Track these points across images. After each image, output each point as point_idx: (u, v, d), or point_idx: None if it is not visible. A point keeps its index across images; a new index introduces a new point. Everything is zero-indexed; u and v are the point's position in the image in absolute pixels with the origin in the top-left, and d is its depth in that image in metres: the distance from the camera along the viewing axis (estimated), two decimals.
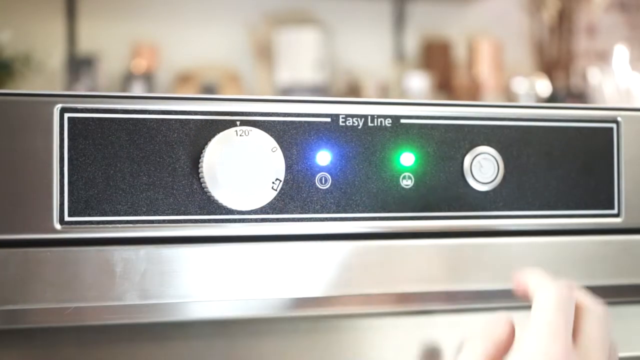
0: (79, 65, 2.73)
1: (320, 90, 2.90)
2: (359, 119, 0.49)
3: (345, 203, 0.48)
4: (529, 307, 0.55)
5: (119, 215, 0.45)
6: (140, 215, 0.45)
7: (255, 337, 0.52)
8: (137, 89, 2.71)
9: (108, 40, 2.82)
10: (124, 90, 2.59)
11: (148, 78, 2.78)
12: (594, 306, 0.44)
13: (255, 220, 0.47)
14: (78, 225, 0.44)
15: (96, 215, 0.44)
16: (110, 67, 2.81)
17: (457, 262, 0.51)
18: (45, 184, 0.44)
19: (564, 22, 3.33)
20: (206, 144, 0.46)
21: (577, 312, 0.44)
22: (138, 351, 0.48)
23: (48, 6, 2.77)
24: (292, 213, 0.48)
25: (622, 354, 0.57)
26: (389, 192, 0.49)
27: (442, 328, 0.54)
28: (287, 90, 2.89)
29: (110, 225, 0.45)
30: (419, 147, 0.50)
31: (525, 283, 0.46)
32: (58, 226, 0.44)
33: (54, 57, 2.69)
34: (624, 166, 0.54)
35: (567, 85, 3.27)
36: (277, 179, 0.46)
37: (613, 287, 0.55)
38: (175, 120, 0.46)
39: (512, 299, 0.54)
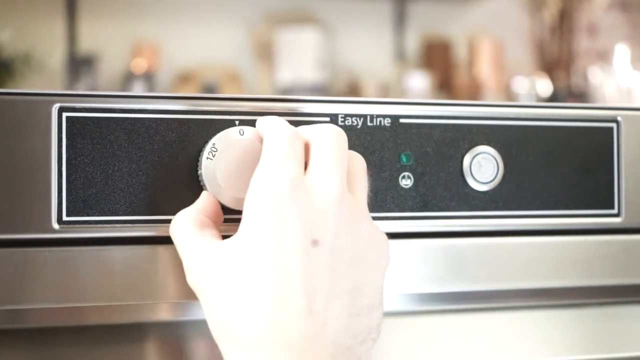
0: (79, 64, 2.73)
1: (321, 90, 2.90)
2: (358, 119, 0.49)
3: None
4: (529, 307, 0.55)
5: (118, 215, 0.45)
6: (139, 215, 0.45)
7: None
8: (138, 89, 2.71)
9: (108, 40, 2.82)
10: (124, 90, 2.59)
11: (148, 78, 2.78)
12: (320, 131, 0.43)
13: None
14: (76, 225, 0.44)
15: (95, 215, 0.44)
16: (110, 67, 2.81)
17: (456, 262, 0.51)
18: (44, 183, 0.43)
19: (564, 21, 3.33)
20: (205, 143, 0.46)
21: (307, 145, 0.43)
22: (137, 351, 0.48)
23: (48, 6, 2.77)
24: None
25: (622, 354, 0.57)
26: (388, 192, 0.49)
27: (442, 328, 0.54)
28: (287, 90, 2.89)
29: (108, 225, 0.45)
30: (418, 146, 0.50)
31: (259, 129, 0.45)
32: (56, 226, 0.44)
33: (54, 56, 2.70)
34: (624, 166, 0.54)
35: (567, 84, 3.27)
36: None
37: (613, 287, 0.55)
38: (174, 119, 0.46)
39: (512, 299, 0.54)
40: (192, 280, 0.42)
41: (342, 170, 0.42)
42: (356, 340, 0.40)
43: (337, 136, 0.43)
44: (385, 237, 0.44)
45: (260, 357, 0.39)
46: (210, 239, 0.43)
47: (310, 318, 0.39)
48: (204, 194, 0.45)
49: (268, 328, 0.39)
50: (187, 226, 0.43)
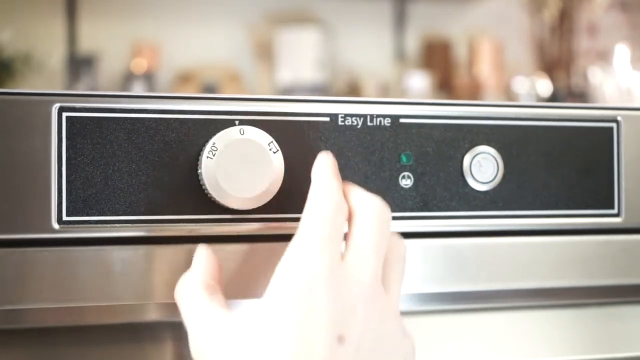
0: (79, 64, 2.73)
1: (321, 90, 2.90)
2: (358, 119, 0.49)
3: None
4: (529, 307, 0.55)
5: (118, 215, 0.45)
6: (138, 215, 0.45)
7: None
8: (138, 89, 2.71)
9: (108, 40, 2.82)
10: (124, 90, 2.59)
11: (148, 78, 2.78)
12: (365, 204, 0.41)
13: (255, 220, 0.47)
14: (76, 225, 0.44)
15: (95, 214, 0.44)
16: (110, 67, 2.81)
17: (456, 262, 0.51)
18: (43, 183, 0.43)
19: (564, 21, 3.33)
20: (205, 143, 0.46)
21: (349, 214, 0.41)
22: (137, 351, 0.48)
23: (48, 6, 2.77)
24: (291, 213, 0.47)
25: (622, 354, 0.57)
26: (388, 192, 0.49)
27: (442, 328, 0.54)
28: (287, 90, 2.89)
29: (108, 225, 0.45)
30: (418, 146, 0.50)
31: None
32: (56, 226, 0.44)
33: (54, 56, 2.70)
34: (624, 166, 0.54)
35: (567, 84, 3.26)
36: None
37: (613, 287, 0.55)
38: (174, 119, 0.46)
39: (512, 299, 0.54)
40: (197, 349, 0.40)
41: (380, 256, 0.40)
42: None
43: (381, 213, 0.41)
44: (412, 340, 0.41)
45: None
46: (220, 308, 0.40)
47: None
48: (203, 253, 0.43)
49: None
50: (195, 291, 0.40)
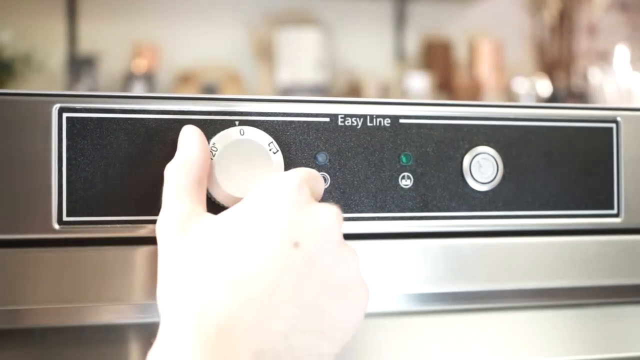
0: (79, 65, 2.73)
1: (321, 90, 2.90)
2: (357, 119, 0.49)
3: (344, 203, 0.48)
4: (529, 308, 0.55)
5: (118, 215, 0.45)
6: (138, 215, 0.45)
7: None
8: (138, 89, 2.71)
9: (109, 40, 2.82)
10: (124, 91, 2.59)
11: (149, 78, 2.78)
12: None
13: None
14: (76, 225, 0.44)
15: (95, 215, 0.44)
16: (110, 67, 2.81)
17: (456, 262, 0.51)
18: (44, 183, 0.43)
19: (564, 22, 3.33)
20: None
21: None
22: (137, 351, 0.48)
23: (49, 6, 2.77)
24: None
25: (622, 354, 0.57)
26: (388, 192, 0.49)
27: (442, 328, 0.54)
28: (287, 91, 2.89)
29: (108, 226, 0.45)
30: (418, 147, 0.50)
31: None
32: (56, 226, 0.44)
33: (54, 57, 2.70)
34: (623, 166, 0.54)
35: (567, 85, 3.27)
36: None
37: (613, 287, 0.55)
38: (174, 120, 0.46)
39: (512, 299, 0.54)
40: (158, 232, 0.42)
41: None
42: (289, 354, 0.38)
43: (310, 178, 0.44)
44: (369, 292, 0.43)
45: (186, 323, 0.38)
46: (199, 206, 0.42)
47: (262, 306, 0.38)
48: (189, 140, 0.44)
49: (227, 295, 0.38)
50: (186, 185, 0.43)
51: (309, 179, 0.43)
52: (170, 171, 0.43)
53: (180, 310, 0.38)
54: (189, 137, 0.44)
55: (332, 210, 0.42)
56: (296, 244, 0.40)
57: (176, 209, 0.42)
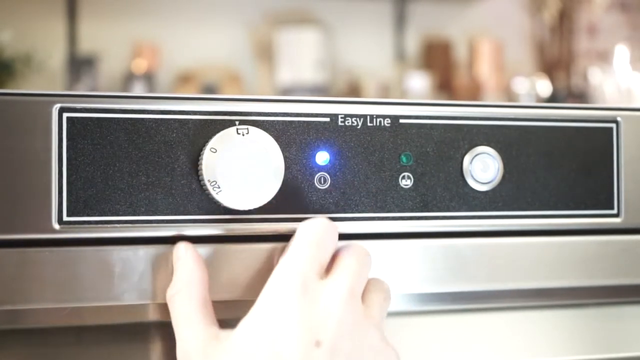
0: (79, 65, 2.73)
1: (321, 91, 2.90)
2: (358, 119, 0.49)
3: (344, 203, 0.48)
4: (529, 307, 0.55)
5: (118, 215, 0.45)
6: (139, 215, 0.45)
7: None
8: (138, 89, 2.71)
9: (109, 40, 2.82)
10: (125, 90, 2.59)
11: (149, 78, 2.78)
12: (353, 243, 0.45)
13: (254, 220, 0.47)
14: (77, 225, 0.44)
15: (95, 215, 0.44)
16: (111, 67, 2.81)
17: (456, 262, 0.51)
18: (44, 183, 0.44)
19: (564, 22, 3.33)
20: (205, 143, 0.46)
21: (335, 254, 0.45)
22: (137, 351, 0.48)
23: (49, 6, 2.77)
24: (291, 213, 0.47)
25: (622, 354, 0.57)
26: (388, 192, 0.49)
27: (442, 328, 0.54)
28: (287, 91, 2.89)
29: (109, 225, 0.45)
30: (418, 147, 0.50)
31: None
32: (57, 226, 0.44)
33: (54, 57, 2.70)
34: (623, 166, 0.54)
35: (567, 85, 3.27)
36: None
37: (613, 287, 0.55)
38: (175, 120, 0.46)
39: (512, 299, 0.54)
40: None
41: (359, 283, 0.43)
42: None
43: (362, 250, 0.45)
44: (397, 352, 0.43)
45: None
46: (212, 328, 0.43)
47: None
48: (190, 256, 0.45)
49: None
50: (191, 309, 0.43)
51: (314, 257, 0.43)
52: (172, 298, 0.44)
53: None
54: (183, 258, 0.45)
55: (340, 291, 0.42)
56: (317, 343, 0.40)
57: (189, 339, 0.42)
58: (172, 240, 0.46)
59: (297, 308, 0.41)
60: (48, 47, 2.68)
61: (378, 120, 0.49)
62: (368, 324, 0.42)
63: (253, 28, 3.00)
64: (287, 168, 0.47)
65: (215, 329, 0.43)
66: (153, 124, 0.45)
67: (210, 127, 0.46)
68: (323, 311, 0.41)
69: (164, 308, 0.46)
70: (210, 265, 0.46)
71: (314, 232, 0.44)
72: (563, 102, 2.98)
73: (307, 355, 0.39)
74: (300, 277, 0.42)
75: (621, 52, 3.15)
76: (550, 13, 3.29)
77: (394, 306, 0.51)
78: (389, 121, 0.49)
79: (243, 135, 0.46)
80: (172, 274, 0.45)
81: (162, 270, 0.46)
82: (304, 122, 0.48)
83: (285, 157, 0.47)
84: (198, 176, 0.46)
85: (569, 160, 0.53)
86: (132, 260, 0.45)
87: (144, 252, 0.46)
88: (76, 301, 0.45)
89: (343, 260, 0.44)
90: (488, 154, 0.51)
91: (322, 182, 0.48)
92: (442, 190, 0.50)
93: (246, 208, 0.46)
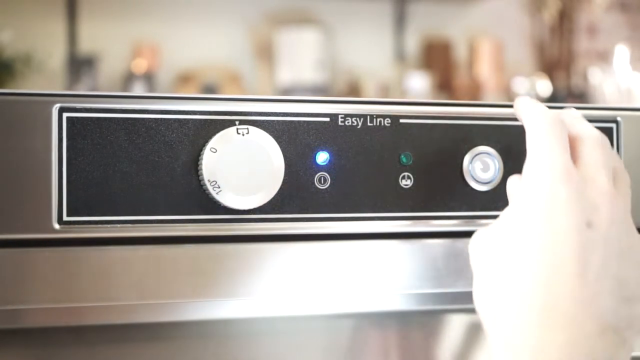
0: (79, 65, 2.73)
1: (321, 91, 2.90)
2: (358, 119, 0.49)
3: (344, 203, 0.48)
4: None
5: (118, 215, 0.45)
6: (139, 215, 0.45)
7: (254, 337, 0.52)
8: (138, 89, 2.71)
9: (109, 40, 2.82)
10: (124, 90, 2.59)
11: (149, 78, 2.78)
12: (589, 132, 0.45)
13: (254, 220, 0.47)
14: (77, 225, 0.44)
15: (95, 215, 0.44)
16: (111, 67, 2.81)
17: (456, 262, 0.51)
18: (44, 183, 0.44)
19: (564, 22, 3.33)
20: (205, 143, 0.46)
21: (572, 142, 0.44)
22: (137, 351, 0.48)
23: (49, 6, 2.77)
24: (291, 213, 0.47)
25: None
26: (388, 192, 0.49)
27: (442, 328, 0.54)
28: (287, 91, 2.89)
29: (109, 225, 0.45)
30: (418, 147, 0.50)
31: (517, 113, 0.46)
32: (57, 226, 0.44)
33: (54, 57, 2.70)
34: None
35: (567, 85, 3.27)
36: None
37: None
38: (175, 120, 0.46)
39: None
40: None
41: (609, 173, 0.43)
42: (622, 324, 0.40)
43: (603, 137, 0.45)
44: None
45: (528, 319, 0.40)
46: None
47: (581, 286, 0.39)
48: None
49: (538, 289, 0.40)
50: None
51: (560, 135, 0.43)
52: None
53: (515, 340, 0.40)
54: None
55: (602, 182, 0.42)
56: (589, 224, 0.41)
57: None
58: (172, 241, 0.46)
59: (566, 190, 0.41)
60: (48, 47, 2.68)
61: (378, 120, 0.49)
62: (628, 216, 0.43)
63: (253, 28, 3.00)
64: (287, 168, 0.47)
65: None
66: (153, 124, 0.45)
67: (210, 127, 0.46)
68: (591, 199, 0.41)
69: (164, 308, 0.46)
70: (209, 265, 0.46)
71: (550, 123, 0.44)
72: (563, 102, 2.97)
73: (581, 233, 0.40)
74: (561, 165, 0.42)
75: (621, 52, 3.15)
76: (550, 13, 3.29)
77: (394, 306, 0.51)
78: (389, 121, 0.49)
79: (243, 135, 0.46)
80: (172, 273, 0.45)
81: (162, 270, 0.46)
82: (304, 122, 0.48)
83: (285, 157, 0.47)
84: (198, 176, 0.46)
85: None
86: (131, 260, 0.45)
87: (143, 252, 0.46)
88: (76, 301, 0.45)
89: (590, 149, 0.44)
90: (488, 154, 0.51)
91: (322, 182, 0.48)
92: (442, 190, 0.50)
93: (246, 208, 0.46)
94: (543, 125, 0.43)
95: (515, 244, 0.41)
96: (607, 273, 0.40)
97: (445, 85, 3.12)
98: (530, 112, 0.45)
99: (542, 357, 0.39)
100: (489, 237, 0.43)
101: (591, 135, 0.44)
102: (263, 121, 0.47)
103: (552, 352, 0.39)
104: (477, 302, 0.43)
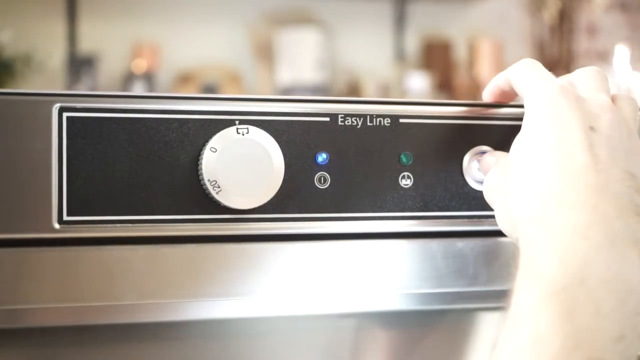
0: (79, 65, 2.73)
1: (321, 90, 2.90)
2: (357, 119, 0.49)
3: (344, 203, 0.48)
4: None
5: (118, 214, 0.45)
6: (139, 214, 0.45)
7: (253, 337, 0.52)
8: (138, 89, 2.71)
9: (109, 40, 2.82)
10: (124, 90, 2.59)
11: (149, 78, 2.78)
12: (578, 71, 0.49)
13: (254, 220, 0.47)
14: (77, 225, 0.44)
15: (95, 214, 0.44)
16: (110, 67, 2.81)
17: (456, 262, 0.51)
18: (44, 183, 0.43)
19: (564, 21, 3.33)
20: (205, 143, 0.46)
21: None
22: (136, 351, 0.48)
23: (49, 6, 2.77)
24: (290, 213, 0.47)
25: None
26: (388, 192, 0.49)
27: (442, 328, 0.54)
28: (287, 90, 2.89)
29: (109, 225, 0.45)
30: (418, 146, 0.50)
31: (512, 83, 0.49)
32: (57, 226, 0.44)
33: (54, 57, 2.70)
34: None
35: None
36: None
37: None
38: (175, 120, 0.46)
39: None
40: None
41: (608, 94, 0.46)
42: (637, 210, 0.42)
43: (597, 71, 0.48)
44: None
45: (549, 204, 0.42)
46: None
47: (595, 171, 0.42)
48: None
49: (554, 178, 0.42)
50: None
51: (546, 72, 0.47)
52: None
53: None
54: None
55: (601, 97, 0.45)
56: (592, 128, 0.44)
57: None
58: (172, 240, 0.46)
59: (566, 101, 0.44)
60: (48, 47, 2.68)
61: (378, 120, 0.49)
62: (630, 129, 0.45)
63: (253, 28, 3.00)
64: (287, 168, 0.47)
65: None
66: (153, 123, 0.45)
67: (210, 126, 0.46)
68: (589, 108, 0.44)
69: (164, 308, 0.46)
70: (209, 265, 0.46)
71: (531, 63, 0.48)
72: None
73: (587, 135, 0.43)
74: (556, 83, 0.46)
75: (621, 52, 3.15)
76: (550, 13, 3.29)
77: (394, 306, 0.51)
78: (389, 121, 0.49)
79: (243, 135, 0.46)
80: (172, 273, 0.45)
81: (162, 270, 0.46)
82: (304, 121, 0.48)
83: (285, 157, 0.47)
84: (198, 176, 0.46)
85: None
86: (131, 259, 0.45)
87: (143, 252, 0.46)
88: (76, 301, 0.45)
89: (584, 77, 0.48)
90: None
91: (322, 182, 0.48)
92: (442, 190, 0.50)
93: (246, 208, 0.46)
94: (534, 74, 0.47)
95: (531, 148, 0.44)
96: (616, 164, 0.43)
97: (445, 85, 3.12)
98: (522, 75, 0.48)
99: (569, 233, 0.41)
100: (506, 158, 0.47)
101: (582, 69, 0.49)
102: (263, 121, 0.47)
103: (573, 228, 0.41)
104: (509, 207, 0.45)
